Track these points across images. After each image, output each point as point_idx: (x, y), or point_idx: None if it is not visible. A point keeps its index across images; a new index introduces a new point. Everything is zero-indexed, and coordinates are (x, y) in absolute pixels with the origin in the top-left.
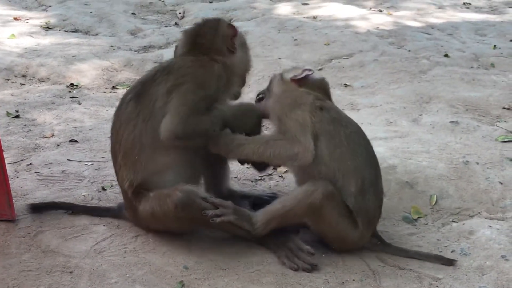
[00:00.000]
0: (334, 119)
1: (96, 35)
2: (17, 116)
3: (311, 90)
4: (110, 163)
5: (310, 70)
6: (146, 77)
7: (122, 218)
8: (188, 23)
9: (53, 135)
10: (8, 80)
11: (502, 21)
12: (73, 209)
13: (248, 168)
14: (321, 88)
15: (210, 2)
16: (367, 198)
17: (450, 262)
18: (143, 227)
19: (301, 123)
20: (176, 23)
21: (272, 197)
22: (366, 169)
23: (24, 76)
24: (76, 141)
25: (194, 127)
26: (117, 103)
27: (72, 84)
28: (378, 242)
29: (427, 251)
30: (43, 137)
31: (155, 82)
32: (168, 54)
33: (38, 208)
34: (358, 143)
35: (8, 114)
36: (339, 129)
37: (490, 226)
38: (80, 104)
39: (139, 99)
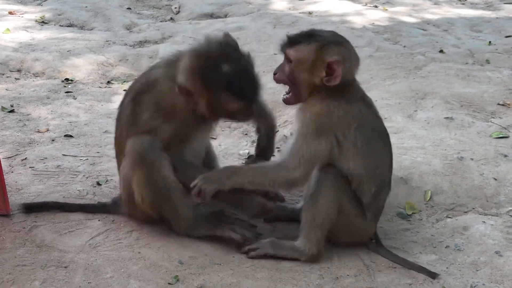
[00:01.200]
0: (367, 139)
1: (91, 29)
2: (12, 111)
3: (346, 94)
4: (105, 158)
5: (338, 61)
6: (137, 85)
7: (117, 213)
8: (183, 18)
9: (48, 130)
10: (3, 74)
11: (497, 17)
12: (67, 208)
13: None
14: (353, 76)
15: None
16: (380, 197)
17: (433, 275)
18: (140, 217)
19: (316, 154)
20: (171, 18)
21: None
22: (386, 174)
23: (19, 70)
24: (71, 136)
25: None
26: (112, 98)
27: (67, 79)
28: (373, 241)
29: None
30: (38, 132)
31: (144, 94)
32: (163, 49)
33: (31, 208)
34: (385, 152)
35: (3, 108)
36: (373, 147)
37: (484, 222)
38: (75, 99)
39: (134, 107)
